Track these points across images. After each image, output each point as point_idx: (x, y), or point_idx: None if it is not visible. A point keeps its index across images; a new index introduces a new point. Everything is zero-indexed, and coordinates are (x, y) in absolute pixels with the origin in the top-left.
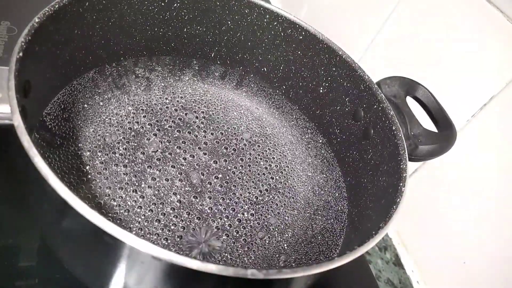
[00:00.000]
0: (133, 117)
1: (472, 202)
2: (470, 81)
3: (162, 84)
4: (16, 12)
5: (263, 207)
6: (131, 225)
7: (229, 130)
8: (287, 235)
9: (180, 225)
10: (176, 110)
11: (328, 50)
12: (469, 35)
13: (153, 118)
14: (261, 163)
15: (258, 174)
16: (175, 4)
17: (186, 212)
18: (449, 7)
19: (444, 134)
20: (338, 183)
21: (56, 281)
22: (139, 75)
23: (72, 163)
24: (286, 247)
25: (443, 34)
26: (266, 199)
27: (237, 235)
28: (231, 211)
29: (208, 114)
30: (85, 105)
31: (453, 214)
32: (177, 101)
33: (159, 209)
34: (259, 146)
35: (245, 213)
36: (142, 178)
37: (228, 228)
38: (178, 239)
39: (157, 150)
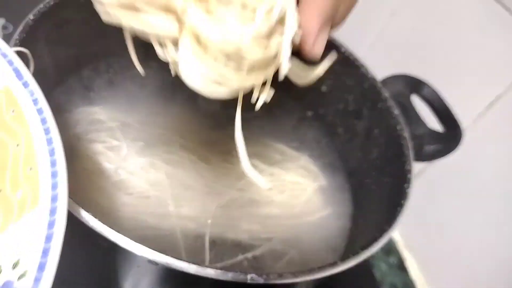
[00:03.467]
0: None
1: (479, 204)
2: (476, 79)
3: (161, 83)
4: (11, 9)
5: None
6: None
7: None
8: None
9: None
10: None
11: (331, 47)
12: (475, 33)
13: None
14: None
15: None
16: None
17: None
18: (455, 4)
19: (450, 134)
20: (341, 184)
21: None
22: (136, 73)
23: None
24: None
25: (449, 32)
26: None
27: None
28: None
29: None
30: (81, 103)
31: (460, 217)
32: None
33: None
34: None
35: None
36: (140, 175)
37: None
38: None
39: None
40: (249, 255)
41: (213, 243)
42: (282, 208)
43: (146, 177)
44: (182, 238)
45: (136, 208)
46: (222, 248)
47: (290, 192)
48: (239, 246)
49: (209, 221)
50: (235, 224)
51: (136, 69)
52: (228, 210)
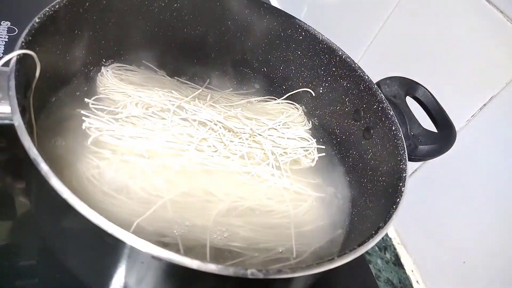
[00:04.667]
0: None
1: (472, 202)
2: (470, 81)
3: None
4: (16, 12)
5: None
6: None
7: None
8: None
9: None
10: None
11: (328, 50)
12: (469, 35)
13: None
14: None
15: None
16: (176, 5)
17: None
18: (449, 7)
19: (444, 134)
20: (338, 183)
21: (56, 281)
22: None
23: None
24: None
25: (443, 34)
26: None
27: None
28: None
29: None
30: (85, 104)
31: (453, 214)
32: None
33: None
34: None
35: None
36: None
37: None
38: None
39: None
40: (246, 262)
41: (212, 251)
42: (281, 218)
43: (147, 182)
44: (182, 246)
45: (136, 213)
46: (220, 256)
47: (290, 202)
48: (237, 254)
49: (209, 227)
50: (234, 232)
51: (138, 70)
52: (228, 219)
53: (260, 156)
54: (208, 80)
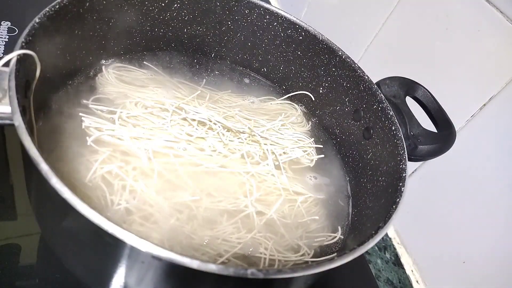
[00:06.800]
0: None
1: (472, 202)
2: (470, 81)
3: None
4: (16, 13)
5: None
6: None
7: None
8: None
9: None
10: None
11: (328, 51)
12: (468, 35)
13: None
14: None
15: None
16: (175, 5)
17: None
18: (448, 7)
19: (444, 134)
20: (338, 183)
21: (56, 281)
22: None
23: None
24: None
25: (443, 34)
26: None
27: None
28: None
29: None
30: (85, 104)
31: (453, 214)
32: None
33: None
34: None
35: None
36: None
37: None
38: None
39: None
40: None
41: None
42: (280, 218)
43: (148, 188)
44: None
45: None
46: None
47: (289, 203)
48: (236, 254)
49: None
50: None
51: (138, 70)
52: (227, 219)
53: (259, 155)
54: (207, 80)
